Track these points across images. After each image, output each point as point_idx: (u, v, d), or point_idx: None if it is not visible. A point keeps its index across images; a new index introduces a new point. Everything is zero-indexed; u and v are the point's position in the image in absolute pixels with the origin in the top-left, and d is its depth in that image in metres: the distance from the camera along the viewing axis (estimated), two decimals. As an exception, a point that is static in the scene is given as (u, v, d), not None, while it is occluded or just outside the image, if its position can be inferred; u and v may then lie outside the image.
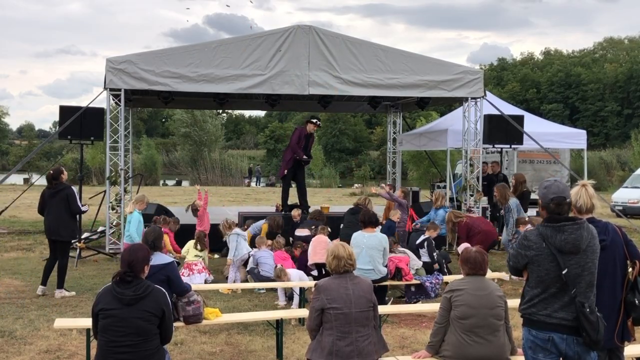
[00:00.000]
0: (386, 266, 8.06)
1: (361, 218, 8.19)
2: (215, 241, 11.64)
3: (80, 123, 11.89)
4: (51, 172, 9.28)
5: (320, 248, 9.31)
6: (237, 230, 10.22)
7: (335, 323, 4.43)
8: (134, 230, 9.54)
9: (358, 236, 7.92)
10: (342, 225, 10.49)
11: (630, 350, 5.50)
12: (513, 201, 10.87)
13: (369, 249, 7.73)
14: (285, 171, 13.31)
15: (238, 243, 9.99)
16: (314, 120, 13.24)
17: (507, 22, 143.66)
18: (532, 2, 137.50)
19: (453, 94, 13.27)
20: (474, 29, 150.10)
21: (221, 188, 37.44)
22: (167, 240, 10.27)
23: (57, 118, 22.63)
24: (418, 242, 9.87)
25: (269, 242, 10.02)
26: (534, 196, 16.32)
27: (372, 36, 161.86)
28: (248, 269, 9.77)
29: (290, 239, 10.94)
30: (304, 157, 13.14)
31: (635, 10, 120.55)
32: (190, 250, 10.24)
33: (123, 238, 10.48)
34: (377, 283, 7.46)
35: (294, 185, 13.93)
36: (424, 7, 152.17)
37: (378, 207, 12.67)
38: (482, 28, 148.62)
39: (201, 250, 10.31)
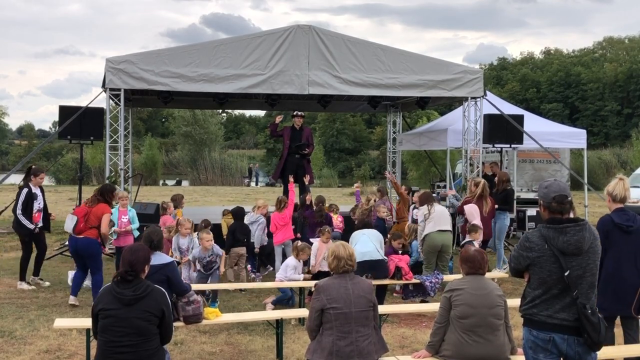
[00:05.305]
0: (386, 265, 8.16)
1: (359, 224, 9.12)
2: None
3: (80, 123, 11.89)
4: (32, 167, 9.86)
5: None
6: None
7: (335, 323, 4.42)
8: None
9: (357, 233, 8.63)
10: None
11: (630, 350, 5.51)
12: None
13: (370, 236, 8.48)
14: (281, 172, 13.24)
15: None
16: (295, 114, 13.37)
17: (504, 23, 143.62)
18: (527, 3, 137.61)
19: (453, 93, 13.27)
20: (470, 29, 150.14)
21: (221, 188, 37.41)
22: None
23: (56, 118, 22.62)
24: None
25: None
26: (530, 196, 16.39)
27: (370, 37, 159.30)
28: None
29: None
30: (302, 151, 13.14)
31: (630, 11, 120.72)
32: None
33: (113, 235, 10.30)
34: (376, 266, 8.11)
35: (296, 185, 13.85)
36: (420, 7, 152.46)
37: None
38: (479, 28, 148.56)
39: None
